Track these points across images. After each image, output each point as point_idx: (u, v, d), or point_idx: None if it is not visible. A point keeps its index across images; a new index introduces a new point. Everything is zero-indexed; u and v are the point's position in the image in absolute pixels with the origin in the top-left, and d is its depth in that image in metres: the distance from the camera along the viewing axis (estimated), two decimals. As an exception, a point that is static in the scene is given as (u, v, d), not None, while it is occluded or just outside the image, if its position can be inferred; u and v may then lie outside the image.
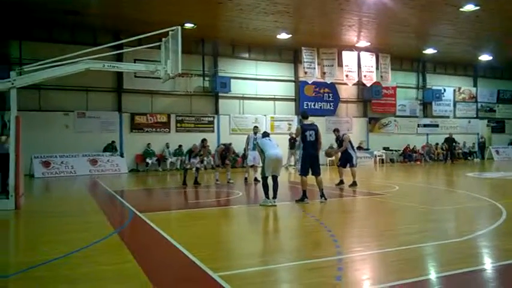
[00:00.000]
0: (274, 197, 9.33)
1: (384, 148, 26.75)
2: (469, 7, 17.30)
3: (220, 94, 22.98)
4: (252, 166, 14.97)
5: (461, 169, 20.65)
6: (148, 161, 21.00)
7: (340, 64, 24.62)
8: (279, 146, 9.91)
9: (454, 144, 26.61)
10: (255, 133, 14.54)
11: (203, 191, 12.97)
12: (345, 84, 25.50)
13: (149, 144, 21.24)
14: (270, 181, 9.49)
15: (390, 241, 5.88)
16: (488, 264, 4.84)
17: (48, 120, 19.27)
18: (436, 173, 19.09)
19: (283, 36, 21.45)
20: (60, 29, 19.55)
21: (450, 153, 26.03)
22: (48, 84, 17.50)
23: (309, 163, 9.60)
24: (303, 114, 10.37)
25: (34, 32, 19.25)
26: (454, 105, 30.53)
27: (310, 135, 9.58)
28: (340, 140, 13.43)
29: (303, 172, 9.63)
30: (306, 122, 9.95)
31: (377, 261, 5.04)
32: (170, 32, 10.06)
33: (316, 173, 9.71)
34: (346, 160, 13.14)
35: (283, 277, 4.59)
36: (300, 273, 4.60)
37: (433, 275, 4.46)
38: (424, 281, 4.26)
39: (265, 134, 10.26)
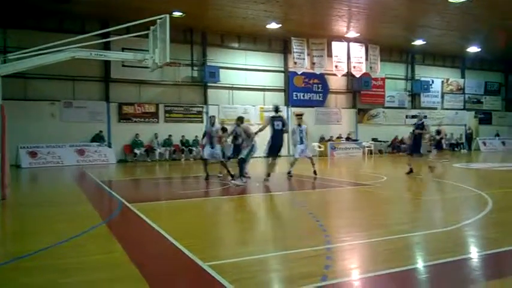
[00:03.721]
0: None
1: (373, 139, 26.92)
2: (459, -2, 17.37)
3: (209, 84, 22.86)
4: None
5: (449, 160, 20.84)
6: (137, 151, 20.86)
7: (329, 55, 24.63)
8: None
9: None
10: (299, 125, 13.10)
11: (193, 181, 12.92)
12: (334, 75, 25.55)
13: (137, 134, 21.08)
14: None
15: (378, 231, 5.92)
16: (475, 253, 4.90)
17: (34, 110, 19.01)
18: (423, 164, 19.22)
19: (273, 26, 21.35)
20: (47, 17, 19.20)
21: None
22: (33, 73, 17.26)
23: (275, 149, 11.24)
24: (276, 108, 11.48)
25: (20, 20, 18.87)
26: (442, 97, 30.80)
27: (277, 124, 11.07)
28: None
29: (269, 154, 11.29)
30: (275, 114, 11.33)
31: (365, 251, 5.07)
32: (158, 21, 9.94)
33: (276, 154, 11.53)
34: None
35: (272, 266, 4.59)
36: (289, 262, 4.61)
37: (421, 264, 4.50)
38: (412, 270, 4.30)
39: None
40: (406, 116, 29.17)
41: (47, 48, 9.48)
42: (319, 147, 23.95)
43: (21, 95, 18.79)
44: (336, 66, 24.88)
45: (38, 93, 19.33)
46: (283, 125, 11.16)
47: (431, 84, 29.72)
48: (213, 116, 12.91)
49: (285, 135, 12.04)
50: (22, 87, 18.86)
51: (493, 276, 4.22)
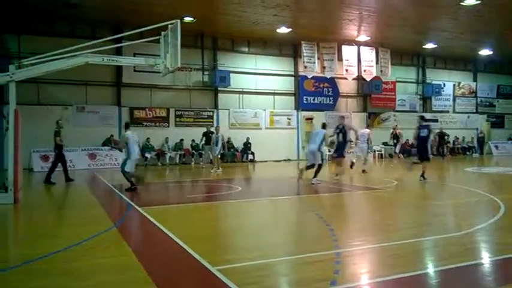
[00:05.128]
0: (315, 176, 11.68)
1: (383, 143, 26.71)
2: (470, 1, 17.22)
3: (219, 88, 22.93)
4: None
5: (460, 164, 20.65)
6: (147, 155, 20.97)
7: (340, 58, 24.55)
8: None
9: (445, 138, 25.92)
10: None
11: (201, 185, 12.97)
12: (345, 78, 25.47)
13: (148, 138, 21.21)
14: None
15: (389, 235, 5.88)
16: (487, 258, 4.85)
17: (47, 114, 19.18)
18: (435, 168, 19.06)
19: (283, 30, 21.38)
20: (59, 23, 19.47)
21: (441, 148, 25.29)
22: (47, 78, 17.39)
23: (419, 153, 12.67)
24: (422, 117, 13.44)
25: (33, 26, 19.17)
26: (454, 100, 30.51)
27: (423, 131, 12.44)
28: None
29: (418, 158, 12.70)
30: (422, 123, 12.89)
31: (375, 255, 5.05)
32: (169, 26, 10.03)
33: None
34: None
35: (281, 271, 4.59)
36: (298, 266, 4.61)
37: (431, 269, 4.46)
38: (423, 275, 4.26)
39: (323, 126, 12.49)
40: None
41: (60, 54, 9.62)
42: (329, 151, 23.81)
43: (34, 100, 19.04)
44: (347, 70, 24.80)
45: (50, 98, 19.56)
46: (429, 132, 12.60)
47: (442, 88, 29.45)
48: (126, 123, 12.29)
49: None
50: (35, 92, 19.11)
51: (506, 282, 4.16)
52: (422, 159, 12.56)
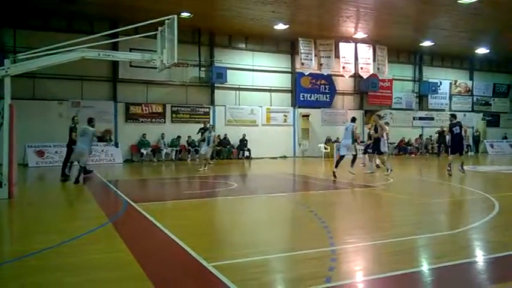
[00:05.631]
0: (351, 166, 13.08)
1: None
2: (468, -1, 17.22)
3: (216, 85, 22.89)
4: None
5: (455, 162, 20.68)
6: (143, 151, 20.91)
7: (337, 56, 24.55)
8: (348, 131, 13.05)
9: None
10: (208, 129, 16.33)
11: (197, 182, 12.95)
12: (342, 76, 25.47)
13: (144, 134, 21.15)
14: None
15: (384, 233, 5.89)
16: (480, 257, 4.87)
17: (42, 109, 19.12)
18: (431, 166, 19.14)
19: (280, 26, 21.33)
20: (55, 18, 19.34)
21: (445, 146, 25.73)
22: (42, 73, 17.37)
23: (457, 148, 13.54)
24: (453, 115, 14.10)
25: (29, 21, 19.03)
26: (450, 99, 30.57)
27: (456, 129, 13.23)
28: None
29: (452, 152, 13.77)
30: (454, 121, 13.59)
31: (370, 253, 5.06)
32: (166, 21, 9.99)
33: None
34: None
35: (276, 267, 4.59)
36: (293, 264, 4.61)
37: (426, 267, 4.48)
38: (417, 273, 4.27)
39: (353, 119, 13.53)
40: (413, 118, 29.02)
41: (56, 48, 9.56)
42: (325, 148, 23.87)
43: (29, 95, 18.93)
44: (344, 67, 24.81)
45: (46, 93, 19.44)
46: (461, 128, 13.42)
47: (439, 86, 29.51)
48: (88, 118, 12.44)
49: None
50: (30, 87, 18.99)
51: (500, 280, 4.18)
52: (455, 152, 13.68)
